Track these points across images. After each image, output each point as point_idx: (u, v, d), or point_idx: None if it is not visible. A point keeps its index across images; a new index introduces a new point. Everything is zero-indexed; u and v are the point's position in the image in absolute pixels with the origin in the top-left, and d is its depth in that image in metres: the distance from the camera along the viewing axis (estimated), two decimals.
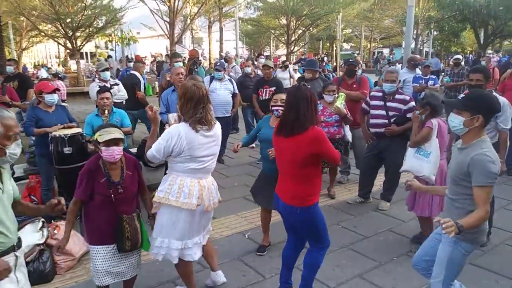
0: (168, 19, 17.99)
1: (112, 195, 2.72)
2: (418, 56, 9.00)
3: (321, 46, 38.87)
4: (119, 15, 20.31)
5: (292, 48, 26.52)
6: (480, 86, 3.91)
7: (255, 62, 11.39)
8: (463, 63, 11.53)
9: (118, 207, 2.77)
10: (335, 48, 31.87)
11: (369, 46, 39.14)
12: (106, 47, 26.11)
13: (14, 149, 2.14)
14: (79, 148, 4.42)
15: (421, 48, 33.71)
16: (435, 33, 24.79)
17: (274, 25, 27.65)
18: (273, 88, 6.57)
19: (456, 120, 2.45)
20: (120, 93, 6.33)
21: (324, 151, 2.78)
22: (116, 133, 2.75)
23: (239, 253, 3.98)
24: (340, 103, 4.97)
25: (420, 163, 3.87)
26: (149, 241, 2.96)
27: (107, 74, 6.41)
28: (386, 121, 4.77)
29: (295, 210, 2.86)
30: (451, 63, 9.35)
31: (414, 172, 3.95)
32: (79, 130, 4.57)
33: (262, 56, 12.58)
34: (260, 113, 6.60)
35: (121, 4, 20.36)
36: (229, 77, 6.87)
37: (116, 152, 2.73)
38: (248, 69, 7.89)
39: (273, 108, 3.68)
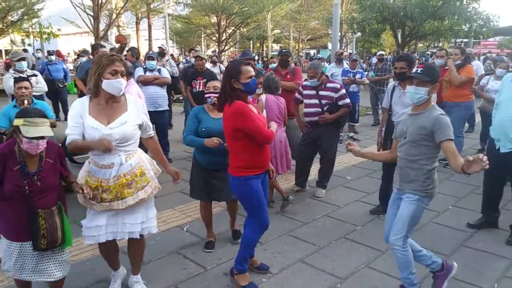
0: (92, 13, 17.03)
1: (27, 187, 2.38)
2: (340, 50, 9.45)
3: (251, 45, 39.31)
4: (36, 7, 18.84)
5: (223, 47, 26.51)
6: (404, 73, 4.10)
7: (187, 57, 11.10)
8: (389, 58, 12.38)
9: (33, 200, 2.43)
10: (265, 48, 32.46)
11: (297, 47, 40.33)
12: (23, 43, 24.00)
13: None
14: None
15: (345, 50, 35.47)
16: (357, 35, 26.19)
17: (204, 23, 27.43)
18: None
19: (422, 92, 2.71)
20: (39, 84, 5.80)
21: (248, 127, 2.80)
22: (45, 128, 2.40)
23: (178, 246, 3.81)
24: None
25: None
26: (71, 238, 2.67)
27: (24, 64, 5.84)
28: (319, 109, 4.89)
29: (229, 177, 3.03)
30: (375, 59, 9.91)
31: None
32: None
33: (194, 50, 12.28)
34: (194, 105, 6.43)
35: None
36: (158, 67, 6.40)
37: (40, 146, 2.40)
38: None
39: (206, 95, 3.56)
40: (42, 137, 2.39)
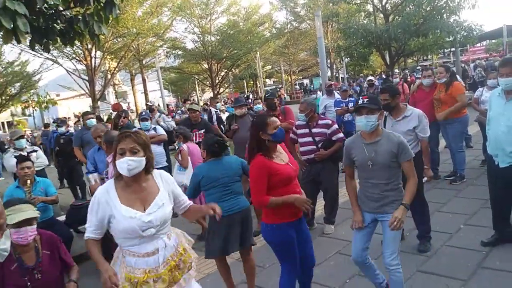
0: (87, 77, 17.52)
1: (29, 283, 2.29)
2: (329, 82, 9.62)
3: (245, 84, 40.04)
4: (33, 78, 19.48)
5: (218, 90, 27.03)
6: (388, 104, 4.17)
7: (183, 108, 11.36)
8: (377, 83, 12.55)
9: None
10: (258, 85, 33.05)
11: (290, 79, 41.02)
12: (23, 114, 24.62)
13: (5, 243, 1.59)
14: None
15: (337, 75, 36.05)
16: (346, 60, 26.69)
17: (196, 70, 28.11)
18: (202, 131, 6.52)
19: (372, 119, 3.00)
20: (39, 160, 5.90)
21: (250, 181, 3.05)
22: (29, 211, 2.37)
23: None
24: None
25: (180, 176, 5.32)
26: None
27: (23, 142, 5.97)
28: (314, 146, 4.93)
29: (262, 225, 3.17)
30: (365, 85, 10.06)
31: (179, 183, 4.49)
32: None
33: (189, 101, 12.59)
34: None
35: (34, 68, 19.57)
36: (153, 126, 6.56)
37: (29, 233, 2.35)
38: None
39: None
40: (28, 223, 2.34)
